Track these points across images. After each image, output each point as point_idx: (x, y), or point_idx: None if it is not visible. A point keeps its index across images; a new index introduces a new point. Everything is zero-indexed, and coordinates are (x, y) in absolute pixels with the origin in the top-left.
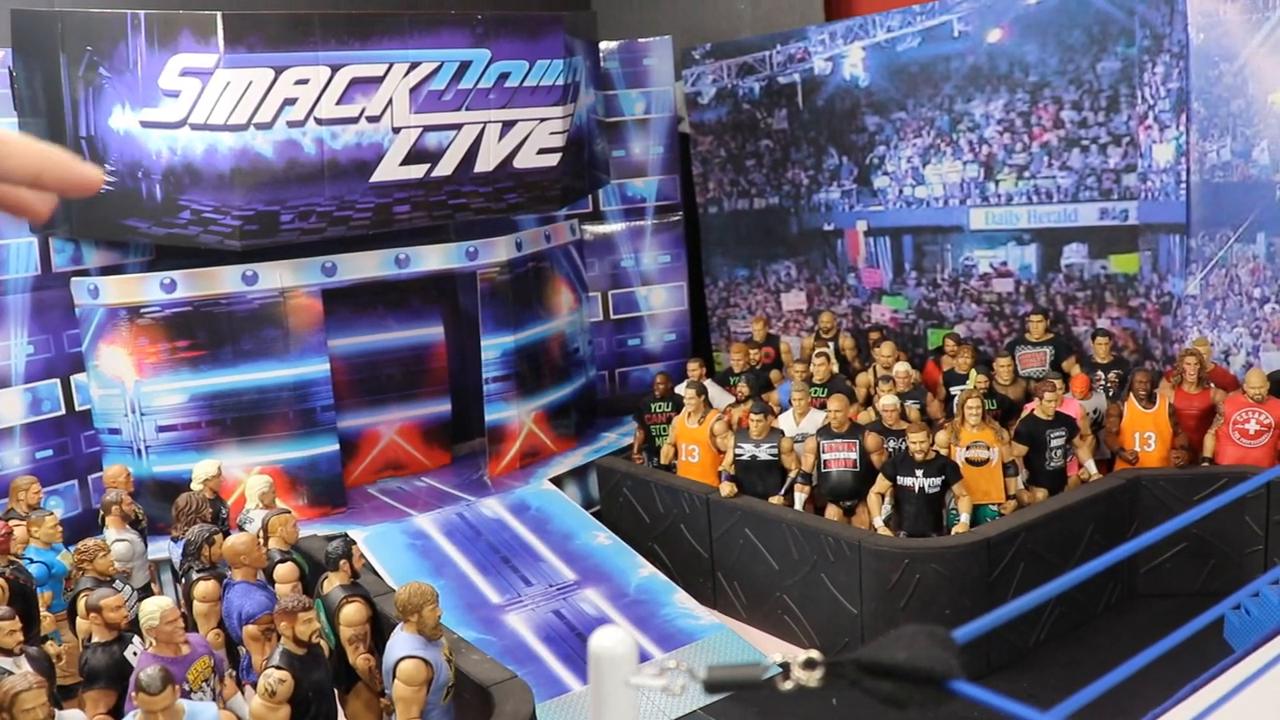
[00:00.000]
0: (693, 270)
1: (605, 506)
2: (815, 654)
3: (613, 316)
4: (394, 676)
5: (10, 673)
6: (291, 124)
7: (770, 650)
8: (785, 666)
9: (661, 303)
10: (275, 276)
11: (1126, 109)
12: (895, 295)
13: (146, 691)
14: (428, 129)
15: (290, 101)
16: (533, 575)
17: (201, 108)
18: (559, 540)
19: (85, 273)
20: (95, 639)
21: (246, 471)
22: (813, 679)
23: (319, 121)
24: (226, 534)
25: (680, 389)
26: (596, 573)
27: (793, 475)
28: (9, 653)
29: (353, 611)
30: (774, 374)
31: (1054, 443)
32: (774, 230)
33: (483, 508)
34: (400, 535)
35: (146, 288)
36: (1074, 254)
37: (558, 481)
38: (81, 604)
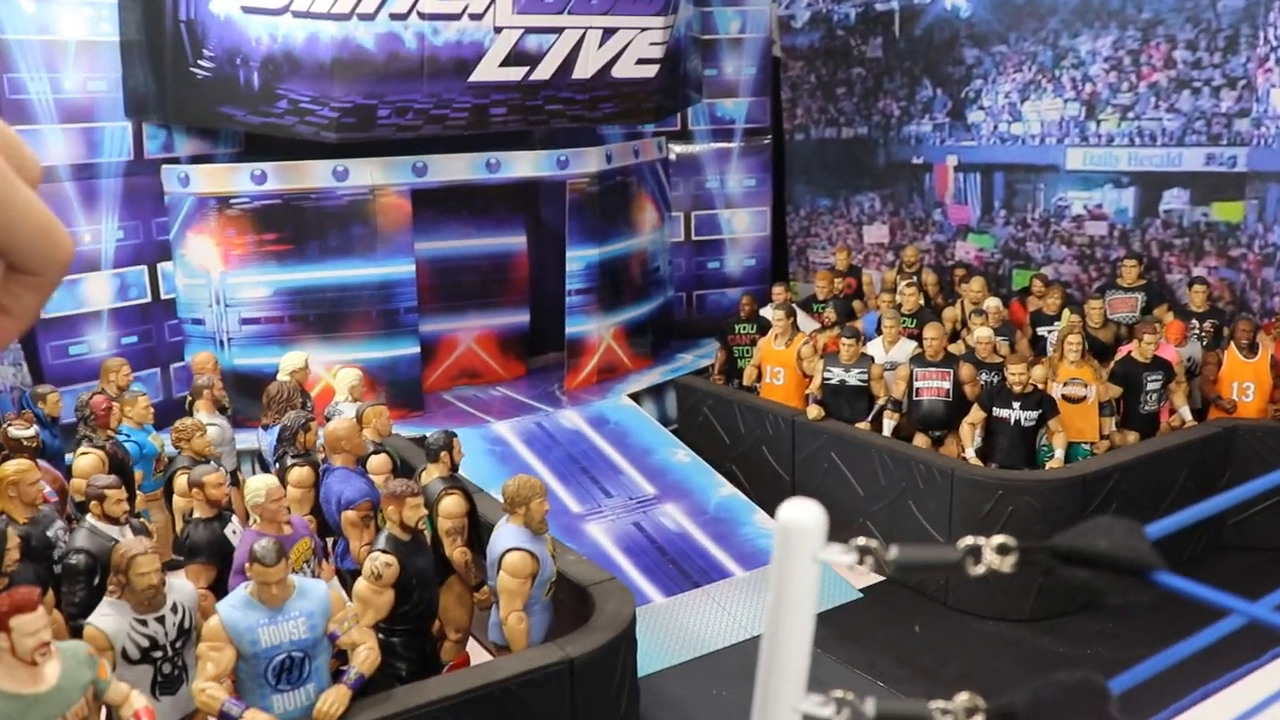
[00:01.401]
0: (776, 196)
1: (683, 425)
2: (1009, 539)
3: (694, 238)
4: (499, 568)
5: (117, 540)
6: (394, 16)
7: (854, 577)
8: (977, 550)
9: (744, 227)
10: (366, 174)
11: (1246, 50)
12: (982, 233)
13: (262, 562)
14: (529, 30)
15: None
16: (612, 487)
17: None
18: (638, 455)
19: (176, 160)
20: (197, 515)
21: (327, 369)
22: (1006, 564)
23: (421, 16)
24: None
25: (765, 311)
26: (676, 489)
27: (881, 402)
28: (116, 521)
29: (452, 503)
30: (856, 304)
31: (1150, 386)
32: (860, 160)
33: (561, 418)
34: (479, 441)
35: (237, 178)
36: (1174, 199)
37: (634, 399)
38: (182, 480)
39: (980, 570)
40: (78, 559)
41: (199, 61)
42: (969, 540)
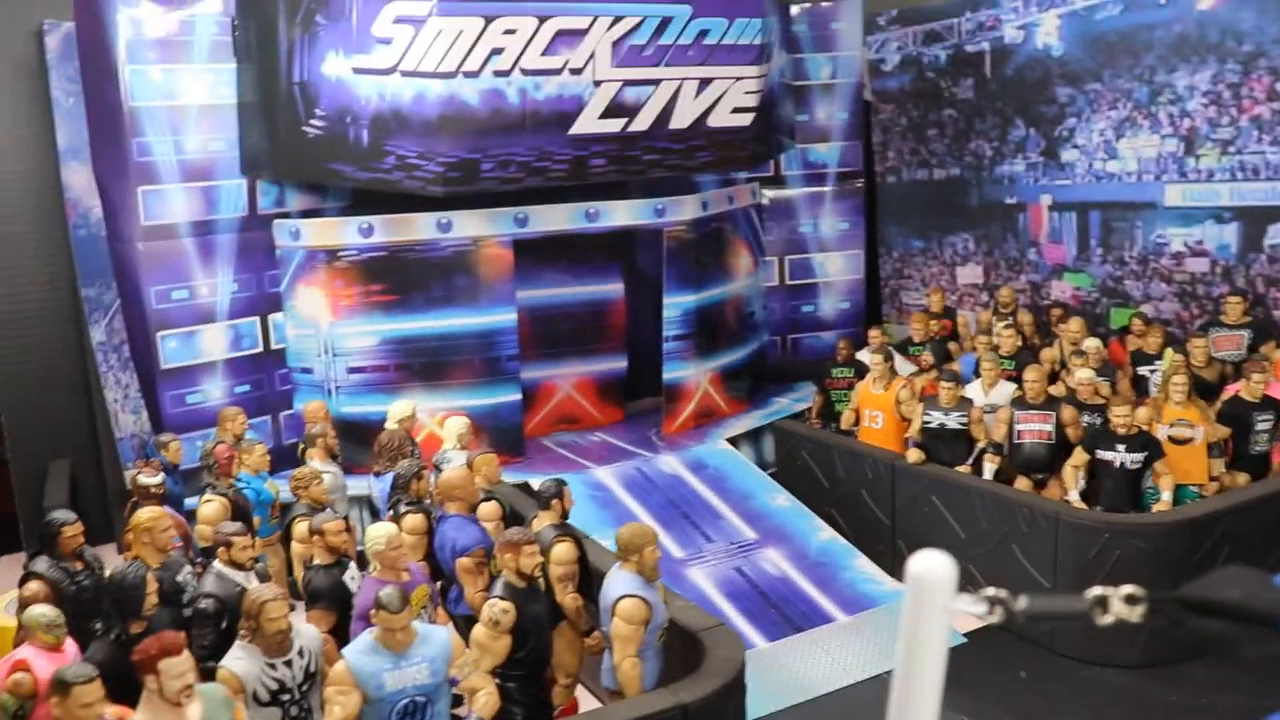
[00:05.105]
0: (869, 239)
1: (781, 469)
2: (1137, 589)
3: (788, 282)
4: (613, 614)
5: (243, 585)
6: (498, 73)
7: (958, 622)
8: (1104, 600)
9: (838, 270)
10: (469, 225)
11: None
12: (1078, 272)
13: (388, 609)
14: (627, 83)
15: (497, 51)
16: (713, 532)
17: (412, 55)
18: (737, 499)
19: (286, 215)
20: (317, 561)
21: (431, 416)
22: (1134, 614)
23: (524, 72)
24: None
25: (862, 355)
26: (777, 533)
27: (981, 445)
28: (241, 567)
29: (563, 550)
30: (952, 346)
31: (1260, 426)
32: (953, 202)
33: (660, 463)
34: (580, 486)
35: (345, 231)
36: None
37: (731, 443)
38: (301, 527)
39: (1108, 620)
40: (208, 603)
41: (310, 121)
42: (1097, 590)
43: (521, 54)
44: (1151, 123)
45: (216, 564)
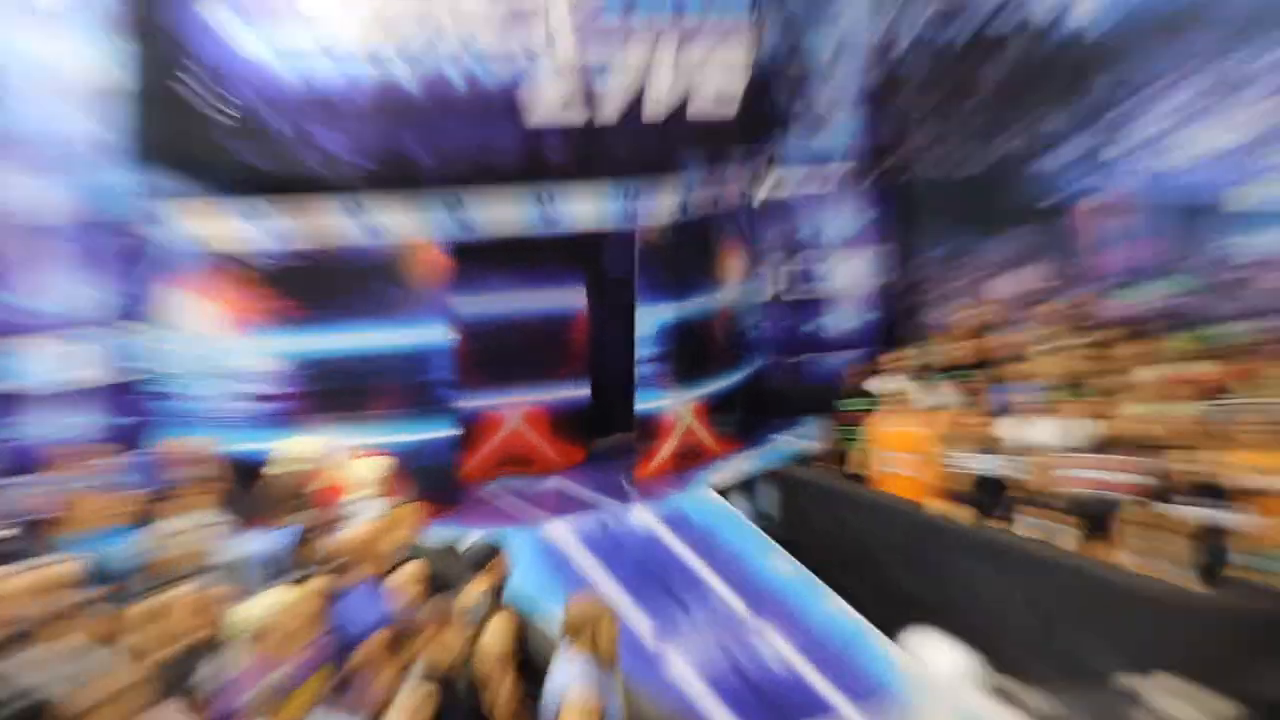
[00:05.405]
0: (884, 245)
1: (782, 525)
2: (1181, 682)
3: (788, 294)
4: (558, 712)
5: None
6: (438, 54)
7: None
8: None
9: (847, 280)
10: (397, 224)
11: None
12: (1131, 286)
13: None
14: (591, 66)
15: (438, 28)
16: (695, 605)
17: (339, 33)
18: (726, 563)
19: (168, 209)
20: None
21: (340, 455)
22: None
23: (470, 53)
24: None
25: (878, 383)
26: (774, 605)
27: (1023, 494)
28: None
29: (498, 630)
30: (985, 372)
31: None
32: (981, 203)
33: (631, 517)
34: (529, 546)
35: (244, 231)
36: None
37: (720, 492)
38: (161, 599)
39: None
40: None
41: (216, 106)
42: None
43: (468, 32)
44: (1212, 113)
45: (37, 649)
